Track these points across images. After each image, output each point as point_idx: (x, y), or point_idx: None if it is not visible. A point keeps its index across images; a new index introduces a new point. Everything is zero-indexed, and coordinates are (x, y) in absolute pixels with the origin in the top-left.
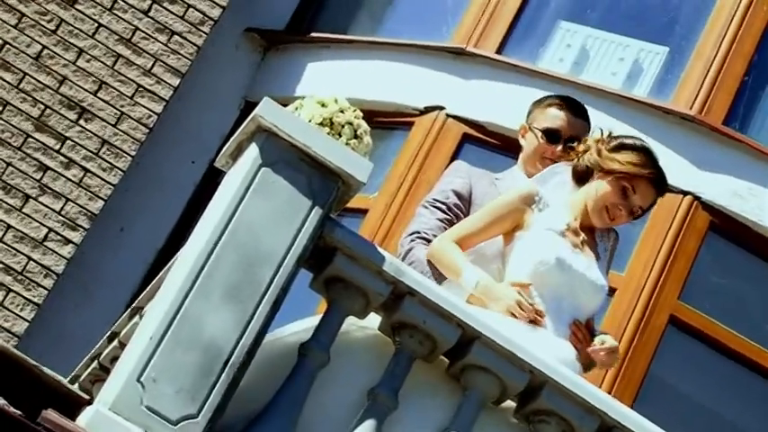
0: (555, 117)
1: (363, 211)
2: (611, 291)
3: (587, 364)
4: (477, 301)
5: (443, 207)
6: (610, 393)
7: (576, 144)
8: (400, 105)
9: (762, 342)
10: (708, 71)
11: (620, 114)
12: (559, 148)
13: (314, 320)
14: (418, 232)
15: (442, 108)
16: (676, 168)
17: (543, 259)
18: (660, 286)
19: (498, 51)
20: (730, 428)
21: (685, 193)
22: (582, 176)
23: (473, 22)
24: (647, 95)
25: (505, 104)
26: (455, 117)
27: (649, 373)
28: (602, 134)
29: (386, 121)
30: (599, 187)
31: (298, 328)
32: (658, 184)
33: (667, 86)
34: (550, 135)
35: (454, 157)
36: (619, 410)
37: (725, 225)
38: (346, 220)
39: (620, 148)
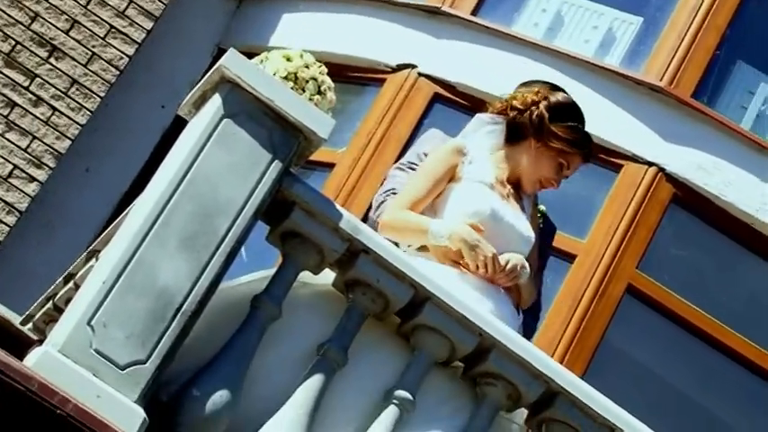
0: None
1: (330, 165)
2: (571, 257)
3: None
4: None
5: None
6: (563, 359)
7: (511, 98)
8: (373, 61)
9: (717, 316)
10: (680, 44)
11: (591, 83)
12: None
13: (269, 272)
14: (394, 189)
15: (414, 66)
16: (643, 139)
17: (478, 210)
18: (620, 255)
19: (473, 13)
20: (683, 399)
21: (650, 164)
22: (514, 132)
23: None
24: (618, 65)
25: (477, 66)
26: (426, 76)
27: (604, 340)
28: (537, 92)
29: (358, 77)
30: (537, 161)
31: (252, 278)
32: (588, 156)
33: (639, 57)
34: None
35: (424, 116)
36: (565, 377)
37: (688, 198)
38: (313, 174)
39: (559, 115)
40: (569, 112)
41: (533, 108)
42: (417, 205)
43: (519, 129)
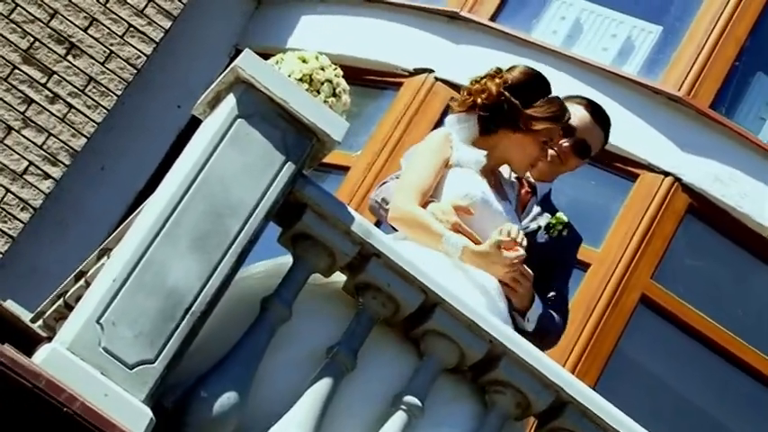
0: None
1: (345, 169)
2: (585, 266)
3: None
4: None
5: None
6: (575, 368)
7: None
8: (390, 65)
9: (731, 328)
10: (699, 53)
11: (609, 91)
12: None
13: (279, 264)
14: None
15: (431, 71)
16: (659, 148)
17: (470, 193)
18: (634, 265)
19: (492, 18)
20: (695, 411)
21: (666, 174)
22: (487, 125)
23: None
24: (636, 74)
25: None
26: (443, 81)
27: (617, 350)
28: (493, 78)
29: (375, 80)
30: (521, 146)
31: (262, 268)
32: (565, 122)
33: (658, 66)
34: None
35: (440, 121)
36: (575, 387)
37: (704, 209)
38: (328, 177)
39: (527, 95)
40: (534, 86)
41: (501, 99)
42: (425, 196)
43: (492, 120)
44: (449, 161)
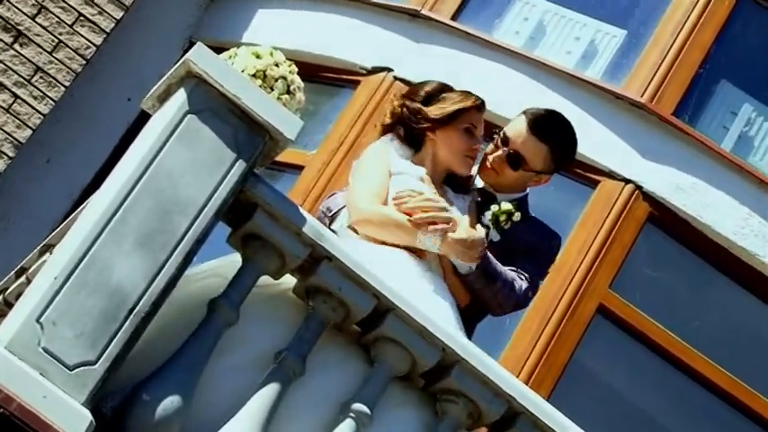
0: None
1: (300, 168)
2: None
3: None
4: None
5: None
6: (530, 377)
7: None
8: (348, 63)
9: (688, 339)
10: (663, 59)
11: (570, 95)
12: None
13: (227, 263)
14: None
15: (390, 70)
16: (621, 155)
17: (412, 188)
18: (592, 274)
19: (454, 18)
20: (650, 422)
21: (627, 182)
22: (411, 141)
23: None
24: (599, 78)
25: (455, 72)
26: (402, 80)
27: (572, 360)
28: (392, 101)
29: (332, 78)
30: (448, 143)
31: (210, 268)
32: (483, 105)
33: (621, 71)
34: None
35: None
36: (528, 397)
37: (664, 218)
38: (282, 176)
39: (425, 95)
40: (431, 87)
41: (404, 112)
42: (381, 198)
43: (412, 136)
44: (390, 170)
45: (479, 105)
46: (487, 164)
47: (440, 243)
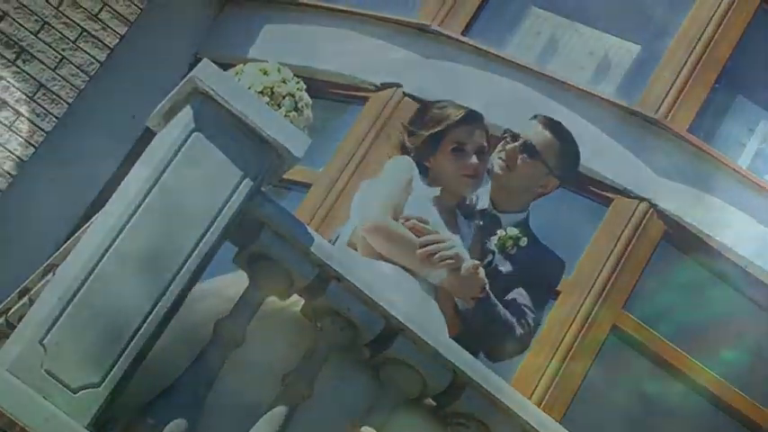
0: None
1: (307, 186)
2: (555, 293)
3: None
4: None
5: None
6: (543, 399)
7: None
8: (356, 79)
9: (704, 361)
10: (678, 75)
11: (584, 111)
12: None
13: (237, 283)
14: None
15: (399, 85)
16: (635, 173)
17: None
18: (606, 293)
19: (464, 32)
20: None
21: (641, 199)
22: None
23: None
24: (613, 93)
25: (465, 88)
26: (411, 96)
27: (586, 382)
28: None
29: (341, 94)
30: (442, 166)
31: (215, 286)
32: (470, 116)
33: (635, 87)
34: None
35: None
36: (541, 420)
37: (679, 236)
38: (289, 194)
39: (413, 121)
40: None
41: (402, 139)
42: (396, 212)
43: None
44: (412, 185)
45: (459, 120)
46: (499, 161)
47: (444, 278)
